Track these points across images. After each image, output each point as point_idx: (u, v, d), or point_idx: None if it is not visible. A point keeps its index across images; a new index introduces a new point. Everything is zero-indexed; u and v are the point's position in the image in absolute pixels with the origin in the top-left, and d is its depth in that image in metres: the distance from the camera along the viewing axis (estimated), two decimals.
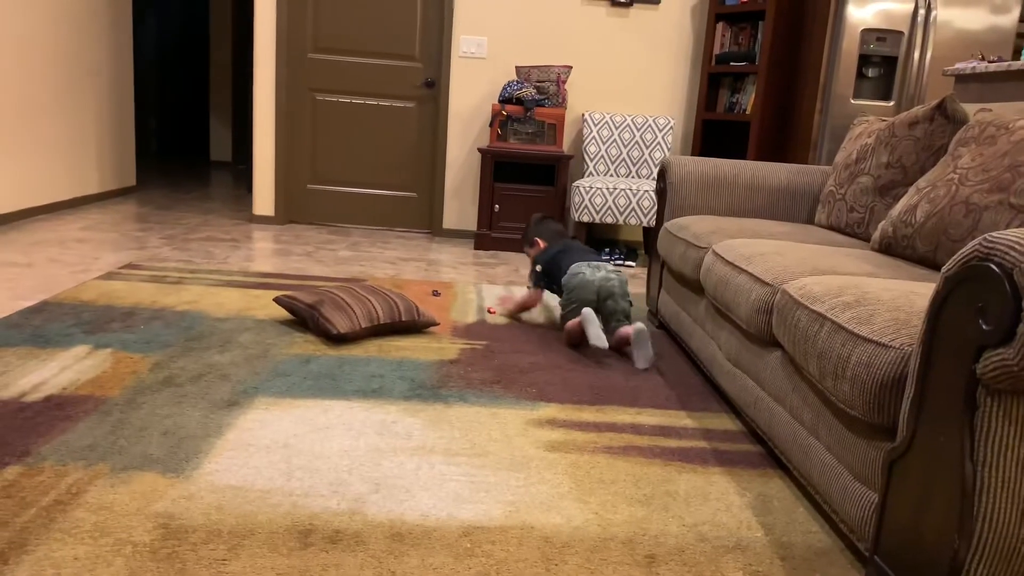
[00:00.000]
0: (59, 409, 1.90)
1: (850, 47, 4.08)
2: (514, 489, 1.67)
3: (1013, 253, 1.07)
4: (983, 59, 3.10)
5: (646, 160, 4.84)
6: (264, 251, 4.14)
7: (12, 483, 1.54)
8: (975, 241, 1.15)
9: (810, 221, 3.00)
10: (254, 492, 1.57)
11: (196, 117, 9.97)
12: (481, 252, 4.62)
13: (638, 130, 4.83)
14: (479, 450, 1.85)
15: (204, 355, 2.37)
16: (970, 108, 2.36)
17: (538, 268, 2.99)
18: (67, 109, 4.88)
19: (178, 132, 9.93)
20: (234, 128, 8.84)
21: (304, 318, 2.66)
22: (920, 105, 2.43)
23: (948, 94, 2.37)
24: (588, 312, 2.62)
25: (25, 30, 4.33)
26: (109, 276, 3.27)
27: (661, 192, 3.11)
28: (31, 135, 4.49)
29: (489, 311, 3.12)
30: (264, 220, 5.05)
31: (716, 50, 4.79)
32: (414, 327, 2.74)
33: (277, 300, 2.76)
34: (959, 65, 3.16)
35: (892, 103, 4.18)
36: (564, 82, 4.66)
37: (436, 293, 3.34)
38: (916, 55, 4.10)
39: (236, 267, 3.66)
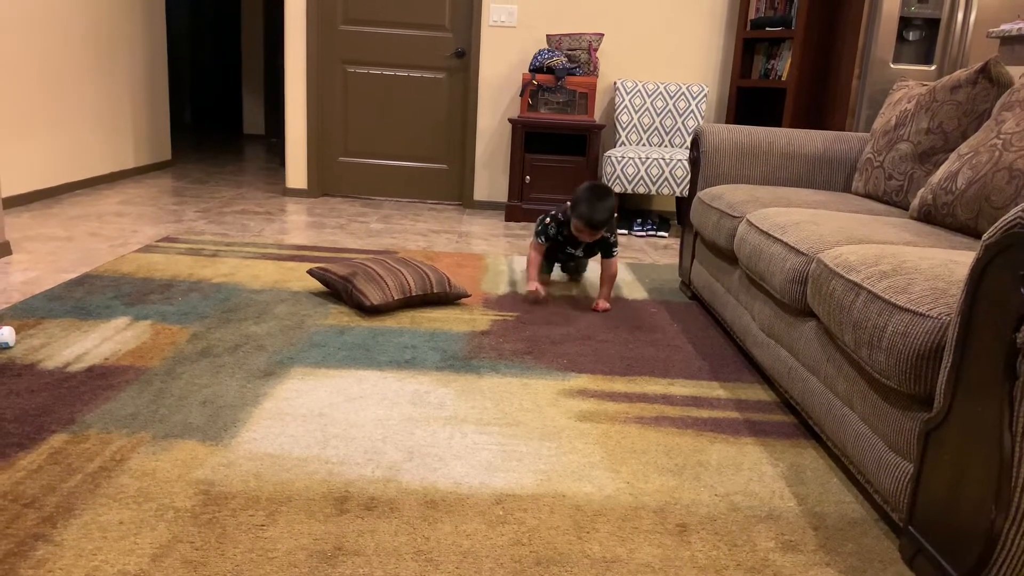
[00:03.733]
0: (102, 379, 1.95)
1: (890, 9, 3.96)
2: (546, 458, 1.68)
3: None
4: None
5: (679, 129, 4.78)
6: (297, 224, 4.17)
7: (59, 450, 1.59)
8: (1017, 208, 1.12)
9: (847, 189, 2.95)
10: (291, 460, 1.61)
11: (229, 91, 10.04)
12: (512, 224, 4.61)
13: (671, 98, 4.76)
14: (511, 420, 1.86)
15: (241, 326, 2.41)
16: (1015, 71, 2.29)
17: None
18: (103, 85, 4.94)
19: (212, 106, 10.01)
20: (266, 101, 8.88)
21: (338, 290, 2.69)
22: (963, 68, 2.35)
23: (992, 56, 2.30)
24: None
25: (60, 4, 4.37)
26: (147, 249, 3.33)
27: (694, 161, 3.07)
28: (69, 112, 4.56)
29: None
30: (297, 193, 5.09)
31: (751, 15, 4.69)
32: (446, 299, 2.76)
33: (311, 272, 2.80)
34: (1004, 26, 3.05)
35: (934, 67, 4.06)
36: (596, 50, 4.60)
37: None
38: (959, 16, 3.97)
39: (270, 240, 3.71)
